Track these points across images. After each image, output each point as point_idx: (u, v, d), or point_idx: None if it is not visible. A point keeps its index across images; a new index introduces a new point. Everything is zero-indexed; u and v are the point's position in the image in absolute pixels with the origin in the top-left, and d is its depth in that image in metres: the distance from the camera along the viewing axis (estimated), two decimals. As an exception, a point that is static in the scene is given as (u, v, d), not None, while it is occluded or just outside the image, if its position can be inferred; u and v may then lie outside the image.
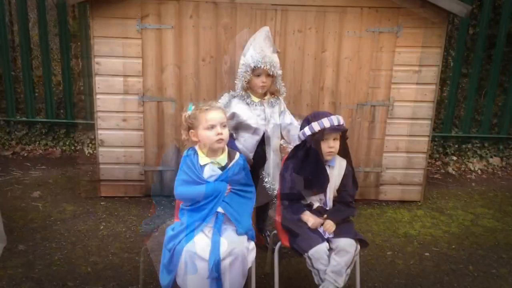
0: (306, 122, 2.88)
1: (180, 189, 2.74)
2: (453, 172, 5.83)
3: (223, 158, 2.78)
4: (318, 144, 2.81)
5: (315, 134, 2.81)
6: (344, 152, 2.95)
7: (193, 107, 2.76)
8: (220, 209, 2.72)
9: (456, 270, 3.56)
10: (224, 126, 2.71)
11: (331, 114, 2.84)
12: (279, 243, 2.97)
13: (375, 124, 4.57)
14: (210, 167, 2.74)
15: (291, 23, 4.31)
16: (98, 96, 4.40)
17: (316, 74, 4.45)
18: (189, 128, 2.76)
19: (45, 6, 5.87)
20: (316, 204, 2.92)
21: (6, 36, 5.92)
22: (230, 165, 2.76)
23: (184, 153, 2.79)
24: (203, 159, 2.75)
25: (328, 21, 4.32)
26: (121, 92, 4.40)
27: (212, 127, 2.67)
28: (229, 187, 2.75)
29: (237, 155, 2.84)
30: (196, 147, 2.80)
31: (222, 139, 2.69)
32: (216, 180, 2.73)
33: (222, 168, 2.76)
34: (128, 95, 4.42)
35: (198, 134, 2.71)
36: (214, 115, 2.68)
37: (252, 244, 2.72)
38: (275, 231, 3.19)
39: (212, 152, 2.75)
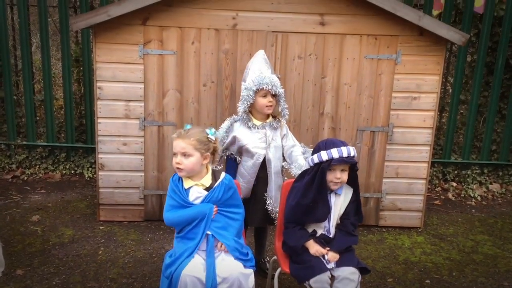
0: (317, 149, 2.87)
1: (167, 214, 2.76)
2: (453, 198, 5.82)
3: (207, 179, 2.79)
4: (323, 174, 2.79)
5: (322, 162, 2.81)
6: (353, 183, 2.93)
7: (177, 132, 2.77)
8: (209, 232, 2.72)
9: (457, 298, 3.53)
10: (187, 155, 2.68)
11: (343, 144, 2.80)
12: (279, 269, 2.95)
13: (374, 149, 4.59)
14: (195, 190, 2.76)
15: (291, 49, 4.37)
16: (99, 120, 4.43)
17: (316, 100, 4.49)
18: None
19: (48, 31, 5.94)
20: (319, 232, 2.90)
21: (9, 60, 5.99)
22: (215, 185, 2.77)
23: (171, 179, 2.81)
24: (187, 182, 2.77)
25: (327, 48, 4.38)
26: (123, 116, 4.43)
27: (175, 154, 2.71)
28: (215, 208, 2.75)
29: (222, 174, 2.83)
30: None
31: (179, 168, 2.70)
32: (202, 201, 2.74)
33: (208, 189, 2.77)
34: (129, 119, 4.44)
35: None
36: (175, 143, 2.70)
37: (249, 270, 2.69)
38: (275, 257, 3.17)
39: (195, 174, 2.76)
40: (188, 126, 2.77)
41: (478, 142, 6.46)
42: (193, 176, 2.76)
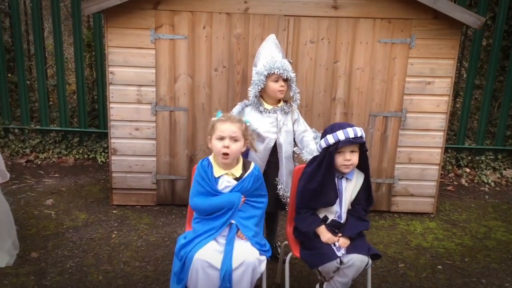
0: (324, 134, 2.85)
1: (195, 200, 2.75)
2: (466, 184, 5.77)
3: (237, 169, 2.78)
4: (332, 157, 2.78)
5: (330, 146, 2.79)
6: (363, 165, 2.90)
7: (221, 115, 2.78)
8: (233, 221, 2.72)
9: (469, 283, 3.52)
10: (235, 140, 2.68)
11: (349, 126, 2.78)
12: (290, 254, 2.96)
13: (387, 135, 4.56)
14: (224, 179, 2.75)
15: (303, 33, 4.33)
16: (111, 105, 4.44)
17: (328, 85, 4.45)
18: (209, 134, 2.78)
19: (60, 15, 5.95)
20: (330, 217, 2.89)
21: (21, 45, 6.02)
22: (245, 175, 2.76)
23: (198, 163, 2.80)
24: (217, 171, 2.75)
25: (340, 32, 4.33)
26: (135, 101, 4.44)
27: (222, 138, 2.67)
28: (243, 198, 2.75)
29: (252, 165, 2.83)
30: (210, 158, 2.81)
31: (227, 154, 2.67)
32: (231, 191, 2.74)
33: (237, 179, 2.76)
34: (141, 104, 4.45)
35: (211, 142, 2.73)
36: (225, 127, 2.67)
37: (264, 257, 2.70)
38: (286, 242, 3.18)
39: (225, 163, 2.74)
40: (220, 114, 2.77)
41: (493, 127, 6.38)
42: (224, 164, 2.74)
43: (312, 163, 2.90)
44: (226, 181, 2.74)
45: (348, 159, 2.79)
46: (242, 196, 2.74)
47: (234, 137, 2.67)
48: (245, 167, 2.79)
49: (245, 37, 4.33)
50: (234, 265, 2.55)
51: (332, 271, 2.71)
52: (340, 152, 2.79)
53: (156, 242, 4.00)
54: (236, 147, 2.69)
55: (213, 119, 2.77)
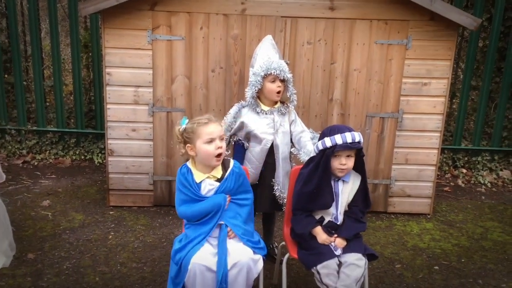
0: (322, 135, 2.84)
1: (181, 209, 2.72)
2: (463, 185, 5.79)
3: (218, 170, 2.74)
4: (328, 160, 2.78)
5: (326, 149, 2.79)
6: (360, 169, 2.89)
7: (187, 121, 2.73)
8: (222, 222, 2.70)
9: (465, 284, 3.53)
10: (222, 139, 2.68)
11: (348, 130, 2.76)
12: (287, 255, 2.96)
13: (384, 136, 4.57)
14: (206, 182, 2.71)
15: (300, 34, 4.34)
16: (108, 106, 4.44)
17: (325, 86, 4.46)
18: (186, 142, 2.71)
19: (57, 16, 5.95)
20: (327, 219, 2.89)
21: (18, 46, 6.01)
22: (226, 175, 2.73)
23: (178, 171, 2.76)
24: (198, 176, 2.71)
25: (337, 33, 4.34)
26: (131, 102, 4.44)
27: (212, 140, 2.63)
28: (229, 198, 2.73)
29: (232, 162, 2.79)
30: (189, 164, 2.76)
31: (221, 154, 2.65)
32: (215, 193, 2.71)
33: (219, 180, 2.73)
34: (138, 105, 4.45)
35: (196, 148, 2.67)
36: (212, 129, 2.64)
37: (258, 255, 2.69)
38: (283, 243, 3.18)
39: (206, 166, 2.72)
40: (185, 120, 2.73)
41: (489, 128, 6.40)
42: (205, 168, 2.72)
43: (309, 165, 2.89)
44: (208, 185, 2.71)
45: (343, 163, 2.78)
46: (227, 195, 2.72)
47: (221, 136, 2.67)
48: (224, 166, 2.77)
49: (242, 38, 4.33)
50: (228, 266, 2.55)
51: (332, 274, 2.67)
52: (336, 156, 2.79)
53: (153, 243, 4.00)
54: (225, 146, 2.69)
55: (183, 126, 2.70)
